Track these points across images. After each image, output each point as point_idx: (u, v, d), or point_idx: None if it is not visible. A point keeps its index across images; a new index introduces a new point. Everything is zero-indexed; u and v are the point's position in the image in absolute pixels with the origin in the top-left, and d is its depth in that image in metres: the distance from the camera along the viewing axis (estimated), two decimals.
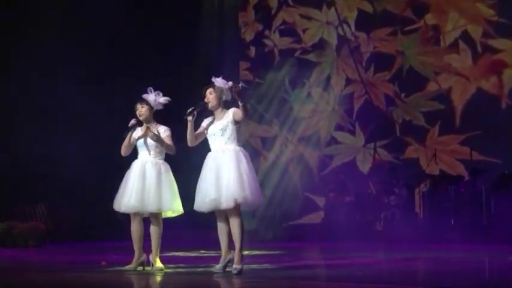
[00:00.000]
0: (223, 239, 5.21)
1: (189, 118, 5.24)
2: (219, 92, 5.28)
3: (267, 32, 12.55)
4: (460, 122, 10.82)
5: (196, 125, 5.36)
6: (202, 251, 7.50)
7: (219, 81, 5.27)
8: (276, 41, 12.44)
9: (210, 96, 5.30)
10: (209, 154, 5.29)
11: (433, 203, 9.88)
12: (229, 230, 5.17)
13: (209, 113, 5.39)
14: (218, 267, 5.20)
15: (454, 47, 10.91)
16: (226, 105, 5.34)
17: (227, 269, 5.18)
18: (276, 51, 12.41)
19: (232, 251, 5.19)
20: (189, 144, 5.34)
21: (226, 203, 5.04)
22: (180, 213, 5.57)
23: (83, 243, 9.29)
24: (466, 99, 10.79)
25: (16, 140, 10.09)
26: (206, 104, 5.29)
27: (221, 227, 5.22)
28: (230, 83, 5.23)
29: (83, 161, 10.15)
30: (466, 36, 10.80)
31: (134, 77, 9.69)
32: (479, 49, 10.74)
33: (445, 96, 10.94)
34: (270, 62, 12.38)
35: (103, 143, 9.26)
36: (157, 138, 5.48)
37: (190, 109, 5.25)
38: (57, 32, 10.48)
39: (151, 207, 5.44)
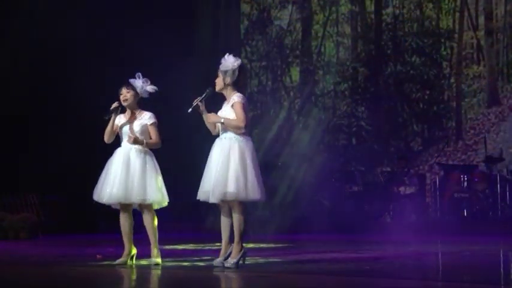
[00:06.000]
0: (225, 232, 5.24)
1: (201, 109, 5.16)
2: (223, 75, 5.21)
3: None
4: None
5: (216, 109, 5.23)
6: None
7: (223, 63, 5.19)
8: None
9: (217, 80, 5.24)
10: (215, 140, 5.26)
11: (445, 193, 9.88)
12: (231, 224, 5.19)
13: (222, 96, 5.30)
14: (218, 260, 5.24)
15: None
16: (236, 86, 5.21)
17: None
18: None
19: (233, 245, 5.20)
20: (213, 133, 5.27)
21: (214, 197, 5.05)
22: (164, 205, 5.50)
23: (77, 236, 9.32)
24: None
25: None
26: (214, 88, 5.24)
27: (223, 220, 5.24)
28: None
29: (75, 150, 10.14)
30: None
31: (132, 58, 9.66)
32: None
33: None
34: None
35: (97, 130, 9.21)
36: (135, 141, 5.36)
37: (195, 101, 5.16)
38: None
39: (135, 197, 5.37)
